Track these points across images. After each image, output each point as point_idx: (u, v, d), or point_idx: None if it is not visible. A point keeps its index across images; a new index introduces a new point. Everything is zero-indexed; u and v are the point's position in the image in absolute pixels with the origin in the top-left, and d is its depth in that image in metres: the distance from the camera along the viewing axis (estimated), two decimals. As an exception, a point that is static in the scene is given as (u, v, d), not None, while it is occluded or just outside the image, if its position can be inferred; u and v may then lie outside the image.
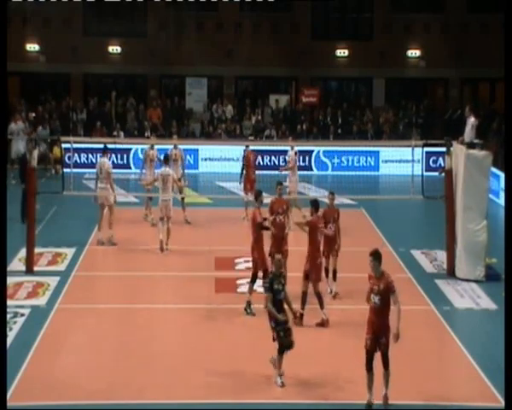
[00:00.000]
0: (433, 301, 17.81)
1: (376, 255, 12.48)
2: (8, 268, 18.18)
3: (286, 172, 25.39)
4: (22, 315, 16.53)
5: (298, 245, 18.28)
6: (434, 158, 32.42)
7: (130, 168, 33.61)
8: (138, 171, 26.03)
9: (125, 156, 33.94)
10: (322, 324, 16.05)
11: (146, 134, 35.55)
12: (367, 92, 40.57)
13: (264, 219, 17.12)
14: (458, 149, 19.93)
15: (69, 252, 21.23)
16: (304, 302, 16.11)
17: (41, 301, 17.52)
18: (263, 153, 33.13)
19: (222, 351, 14.97)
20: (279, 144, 34.16)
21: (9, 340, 14.96)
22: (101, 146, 32.38)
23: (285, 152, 33.79)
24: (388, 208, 26.53)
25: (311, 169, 34.63)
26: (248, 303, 16.86)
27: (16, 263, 19.94)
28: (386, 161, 34.21)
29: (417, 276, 19.67)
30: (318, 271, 16.36)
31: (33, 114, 35.16)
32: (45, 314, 16.64)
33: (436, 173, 22.29)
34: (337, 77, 40.55)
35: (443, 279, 19.43)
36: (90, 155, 33.58)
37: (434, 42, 39.05)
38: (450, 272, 19.65)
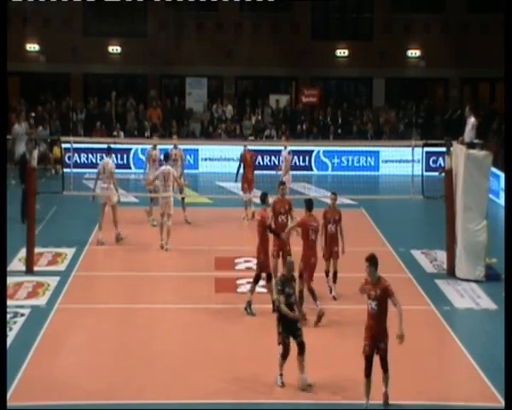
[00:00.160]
0: (433, 301, 17.81)
1: (373, 261, 12.38)
2: (8, 268, 18.19)
3: (280, 172, 25.44)
4: (22, 315, 16.52)
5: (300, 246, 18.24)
6: (434, 158, 32.42)
7: (130, 168, 33.63)
8: (141, 171, 26.04)
9: (125, 156, 33.93)
10: (320, 317, 16.03)
11: (146, 134, 35.58)
12: (367, 92, 40.57)
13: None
14: (458, 149, 19.93)
15: (69, 252, 21.23)
16: (301, 302, 16.09)
17: (41, 301, 17.52)
18: (263, 153, 33.13)
19: (222, 351, 14.97)
20: (279, 144, 34.14)
21: (9, 340, 14.96)
22: (102, 146, 32.46)
23: (284, 152, 33.96)
24: (388, 208, 26.53)
25: (311, 169, 34.63)
26: (249, 303, 16.87)
27: (16, 263, 19.94)
28: (386, 161, 34.20)
29: (417, 276, 19.67)
30: (311, 270, 16.31)
31: (33, 114, 35.14)
32: (45, 314, 16.64)
33: (436, 173, 22.30)
34: (337, 77, 40.53)
35: (443, 279, 19.43)
36: (90, 155, 33.61)
37: (434, 42, 39.04)
38: (450, 272, 19.65)
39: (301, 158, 34.51)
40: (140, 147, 33.50)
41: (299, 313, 13.88)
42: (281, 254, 17.46)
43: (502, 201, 25.43)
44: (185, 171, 25.53)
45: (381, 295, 12.28)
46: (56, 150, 31.96)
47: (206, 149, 33.74)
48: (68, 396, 12.93)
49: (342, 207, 18.91)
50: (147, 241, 22.43)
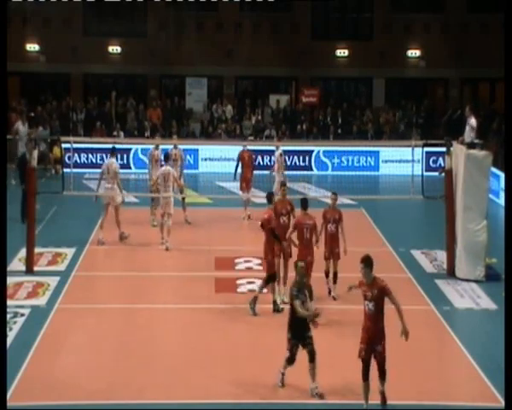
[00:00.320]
0: (433, 301, 17.81)
1: (368, 262, 12.33)
2: (8, 268, 18.19)
3: (274, 173, 25.45)
4: (22, 315, 16.53)
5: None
6: (434, 158, 32.43)
7: (130, 168, 33.63)
8: (141, 171, 26.05)
9: (125, 156, 33.93)
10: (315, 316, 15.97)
11: (146, 134, 35.58)
12: (367, 92, 40.58)
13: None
14: (458, 149, 19.93)
15: (69, 252, 21.23)
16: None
17: (41, 301, 17.52)
18: (263, 153, 33.12)
19: (222, 351, 14.97)
20: (279, 144, 34.10)
21: (9, 340, 14.96)
22: (102, 146, 32.56)
23: (285, 152, 33.87)
24: (388, 208, 26.54)
25: (311, 169, 34.64)
26: (255, 299, 16.81)
27: (16, 263, 19.94)
28: (386, 161, 34.21)
29: (417, 276, 19.67)
30: (307, 268, 16.25)
31: (32, 114, 35.13)
32: (45, 314, 16.64)
33: (436, 173, 22.31)
34: (337, 77, 40.54)
35: (443, 279, 19.44)
36: (90, 155, 33.63)
37: (434, 42, 39.05)
38: (450, 272, 19.65)
39: (301, 158, 34.52)
40: (140, 147, 33.51)
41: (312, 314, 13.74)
42: (282, 254, 17.43)
43: (502, 201, 25.43)
44: (185, 171, 25.54)
45: (378, 295, 12.25)
46: (56, 150, 31.95)
47: (206, 149, 33.74)
48: (68, 396, 12.94)
49: (342, 208, 18.91)
50: (147, 241, 22.44)
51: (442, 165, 24.53)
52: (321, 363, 13.49)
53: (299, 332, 13.16)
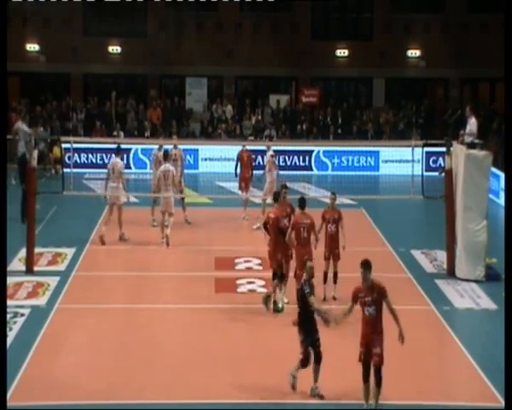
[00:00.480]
0: (433, 301, 17.80)
1: (367, 265, 12.33)
2: (8, 268, 18.18)
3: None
4: (22, 315, 16.53)
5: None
6: (434, 158, 32.43)
7: (130, 168, 33.61)
8: (141, 171, 26.06)
9: (125, 156, 33.88)
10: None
11: (146, 134, 35.58)
12: (367, 92, 40.56)
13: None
14: (458, 149, 19.93)
15: (69, 252, 21.23)
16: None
17: (41, 301, 17.52)
18: (262, 153, 33.05)
19: (222, 351, 14.97)
20: (279, 144, 34.16)
21: (9, 340, 14.96)
22: (102, 146, 32.60)
23: (285, 152, 33.99)
24: (388, 208, 26.53)
25: (311, 169, 34.64)
26: (268, 296, 16.81)
27: (16, 263, 19.94)
28: (386, 161, 34.21)
29: (417, 276, 19.67)
30: (303, 268, 16.26)
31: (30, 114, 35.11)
32: (45, 314, 16.64)
33: (436, 173, 22.31)
34: (337, 77, 40.53)
35: (443, 279, 19.43)
36: (90, 155, 33.63)
37: (434, 42, 39.05)
38: (450, 272, 19.65)
39: (301, 158, 34.52)
40: (140, 147, 33.52)
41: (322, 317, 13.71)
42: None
43: (502, 201, 25.43)
44: (185, 171, 25.51)
45: (378, 298, 12.22)
46: (56, 150, 31.95)
47: (206, 149, 33.74)
48: (68, 396, 12.93)
49: (342, 207, 18.92)
50: (147, 241, 22.43)
51: (442, 165, 24.54)
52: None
53: (311, 334, 13.13)
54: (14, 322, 16.09)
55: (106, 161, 32.89)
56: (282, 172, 26.20)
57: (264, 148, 32.76)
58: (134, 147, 33.84)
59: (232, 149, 30.63)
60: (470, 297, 18.24)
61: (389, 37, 39.12)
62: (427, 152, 25.11)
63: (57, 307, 17.16)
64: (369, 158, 34.68)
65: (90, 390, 13.16)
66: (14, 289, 18.01)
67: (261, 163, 32.34)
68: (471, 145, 20.10)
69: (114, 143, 25.98)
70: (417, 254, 21.58)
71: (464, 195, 19.38)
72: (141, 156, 33.62)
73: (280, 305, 16.92)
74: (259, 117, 37.53)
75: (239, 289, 18.56)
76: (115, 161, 22.60)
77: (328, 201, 18.35)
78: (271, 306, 16.85)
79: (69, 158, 24.50)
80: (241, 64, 38.85)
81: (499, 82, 32.98)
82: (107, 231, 22.07)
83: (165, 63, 38.63)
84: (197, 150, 34.13)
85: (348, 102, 38.80)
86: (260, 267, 20.00)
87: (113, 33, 39.04)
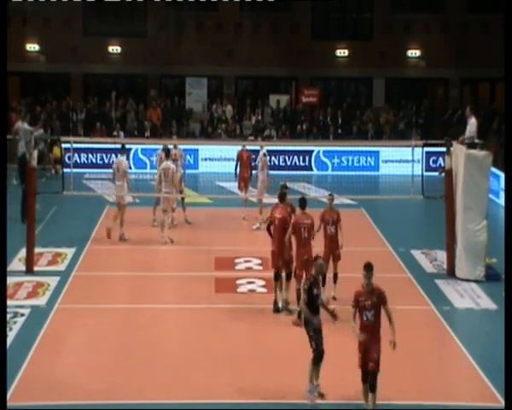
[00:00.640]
0: (433, 301, 17.80)
1: (369, 267, 12.29)
2: (8, 268, 18.18)
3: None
4: (22, 315, 16.52)
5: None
6: (434, 158, 32.43)
7: (130, 168, 33.53)
8: (141, 171, 26.07)
9: (125, 156, 33.86)
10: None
11: (146, 134, 35.57)
12: (367, 92, 40.57)
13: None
14: (458, 149, 19.93)
15: (69, 252, 21.23)
16: (299, 299, 16.05)
17: (41, 301, 17.52)
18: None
19: (222, 351, 14.97)
20: (279, 144, 34.18)
21: (9, 340, 14.96)
22: (102, 146, 32.57)
23: (285, 152, 33.99)
24: (388, 208, 26.53)
25: (311, 169, 34.63)
26: (287, 303, 16.76)
27: (16, 263, 19.94)
28: (386, 161, 34.21)
29: (417, 276, 19.67)
30: (305, 268, 16.26)
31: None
32: (45, 314, 16.64)
33: (436, 173, 22.29)
34: (337, 77, 40.54)
35: (443, 279, 19.43)
36: (90, 155, 33.62)
37: (434, 42, 39.05)
38: (450, 272, 19.65)
39: (301, 158, 34.52)
40: (140, 147, 33.52)
41: (330, 313, 13.65)
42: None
43: (502, 201, 25.43)
44: (185, 171, 25.51)
45: (377, 302, 12.18)
46: (56, 150, 31.94)
47: (206, 149, 33.75)
48: (68, 396, 12.94)
49: (342, 208, 18.95)
50: (147, 241, 22.43)
51: (442, 165, 24.54)
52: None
53: (318, 329, 13.08)
54: (14, 322, 16.09)
55: (106, 161, 32.98)
56: (282, 172, 26.26)
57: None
58: (134, 147, 33.83)
59: (232, 149, 30.64)
60: (470, 297, 18.24)
61: (389, 37, 39.12)
62: (427, 152, 25.10)
63: (57, 307, 17.16)
64: (369, 158, 34.68)
65: (90, 390, 13.16)
66: (14, 289, 18.01)
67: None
68: (471, 145, 20.11)
69: (114, 143, 25.99)
70: (417, 254, 21.58)
71: (464, 195, 19.38)
72: (141, 156, 33.63)
73: (280, 305, 16.92)
74: (259, 117, 37.53)
75: (239, 289, 18.56)
76: (120, 159, 22.67)
77: (326, 201, 18.31)
78: (280, 305, 16.82)
79: (69, 158, 24.51)
80: (241, 64, 38.86)
81: (499, 82, 32.99)
82: (106, 232, 22.10)
83: (165, 63, 38.64)
84: (197, 150, 34.12)
85: (348, 102, 38.81)
86: (260, 267, 20.00)
87: (113, 33, 39.05)
